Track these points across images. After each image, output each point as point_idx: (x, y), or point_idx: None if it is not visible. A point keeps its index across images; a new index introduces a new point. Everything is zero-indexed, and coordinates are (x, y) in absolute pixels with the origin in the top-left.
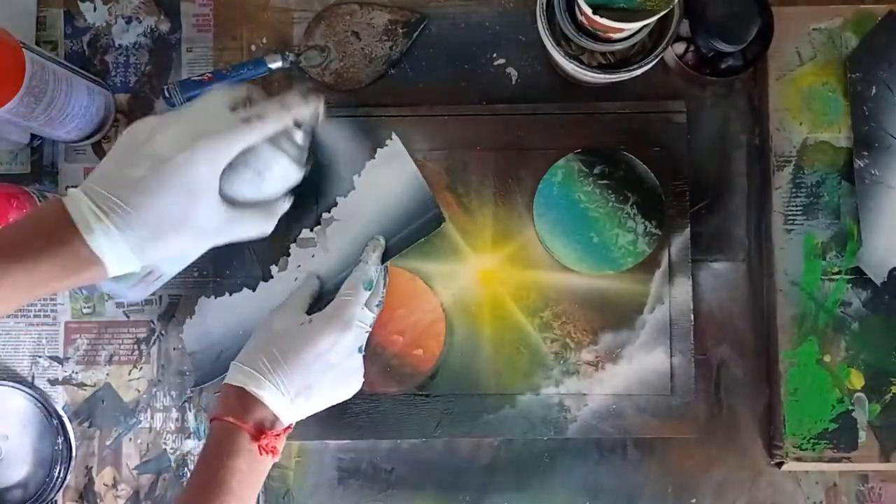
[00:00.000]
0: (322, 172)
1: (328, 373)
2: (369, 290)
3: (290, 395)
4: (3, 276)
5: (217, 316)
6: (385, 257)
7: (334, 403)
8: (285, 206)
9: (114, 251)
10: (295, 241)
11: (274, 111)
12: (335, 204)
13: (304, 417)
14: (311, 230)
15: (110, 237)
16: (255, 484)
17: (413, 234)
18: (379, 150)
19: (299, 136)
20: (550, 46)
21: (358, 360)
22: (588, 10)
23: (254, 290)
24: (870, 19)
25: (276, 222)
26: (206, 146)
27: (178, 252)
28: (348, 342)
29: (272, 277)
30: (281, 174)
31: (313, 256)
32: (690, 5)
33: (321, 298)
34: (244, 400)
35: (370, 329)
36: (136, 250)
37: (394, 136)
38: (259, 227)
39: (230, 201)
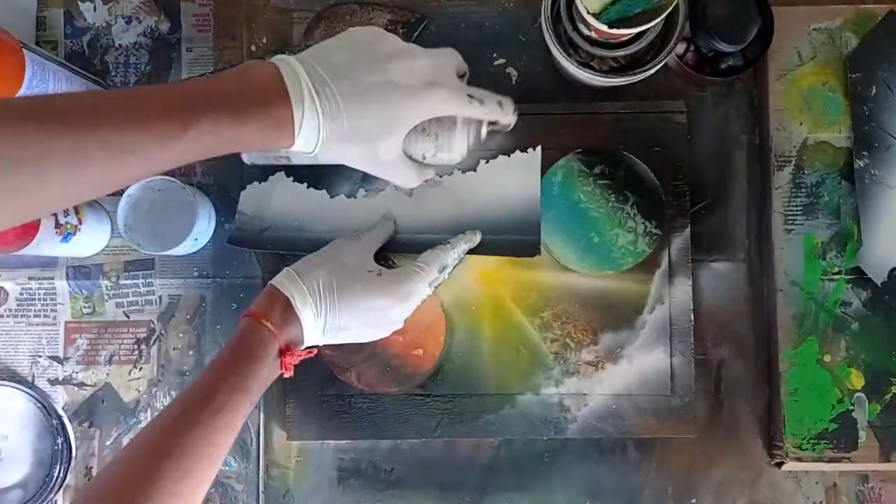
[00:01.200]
0: (326, 167)
1: (366, 323)
2: (441, 273)
3: (326, 327)
4: (215, 126)
5: (283, 195)
6: (470, 252)
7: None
8: (431, 174)
9: (307, 134)
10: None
11: (490, 103)
12: (451, 173)
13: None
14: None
15: (314, 122)
16: (262, 390)
17: (506, 246)
18: (518, 152)
19: (484, 133)
20: (561, 57)
21: (398, 323)
22: (603, 27)
23: (331, 197)
24: (870, 19)
25: (418, 184)
26: (438, 95)
27: (344, 160)
28: (399, 311)
29: (354, 198)
30: (450, 155)
31: (402, 202)
32: (691, 5)
33: (390, 242)
34: (286, 312)
35: (419, 304)
36: (323, 141)
37: (539, 150)
38: (408, 180)
39: None
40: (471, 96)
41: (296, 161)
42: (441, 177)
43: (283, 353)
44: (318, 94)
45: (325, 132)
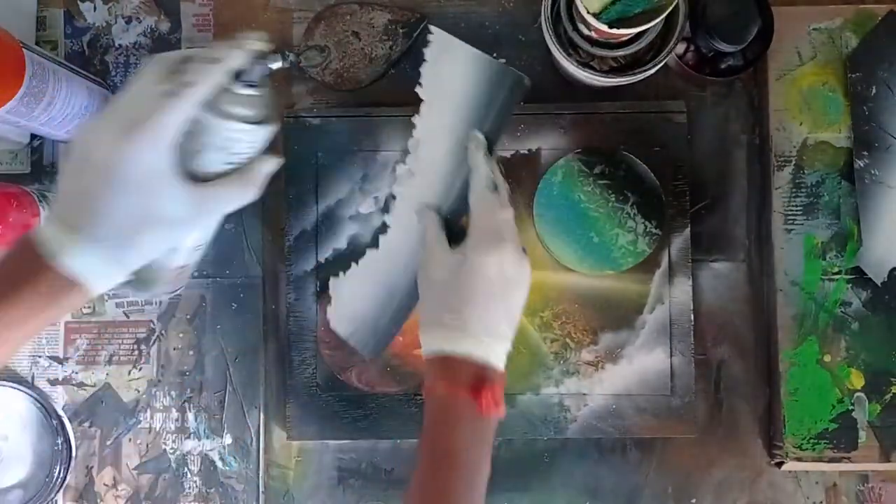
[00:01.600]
0: (321, 172)
1: (510, 289)
2: (495, 190)
3: (490, 335)
4: None
5: (354, 290)
6: (490, 149)
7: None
8: (268, 167)
9: (90, 268)
10: (395, 180)
11: (203, 70)
12: (413, 126)
13: (509, 349)
14: (404, 163)
15: (81, 255)
16: (485, 446)
17: (502, 110)
18: (425, 49)
19: (243, 90)
20: (561, 57)
21: (527, 263)
22: (603, 27)
23: (377, 247)
24: (870, 19)
25: (258, 187)
26: (138, 136)
27: (158, 250)
28: (511, 252)
29: (388, 227)
30: (243, 140)
31: (417, 188)
32: (691, 5)
33: (449, 227)
34: (447, 364)
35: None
36: (112, 261)
37: (432, 27)
38: (238, 196)
39: (206, 180)
40: (172, 93)
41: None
42: (413, 135)
43: (474, 398)
44: (64, 232)
45: (102, 253)
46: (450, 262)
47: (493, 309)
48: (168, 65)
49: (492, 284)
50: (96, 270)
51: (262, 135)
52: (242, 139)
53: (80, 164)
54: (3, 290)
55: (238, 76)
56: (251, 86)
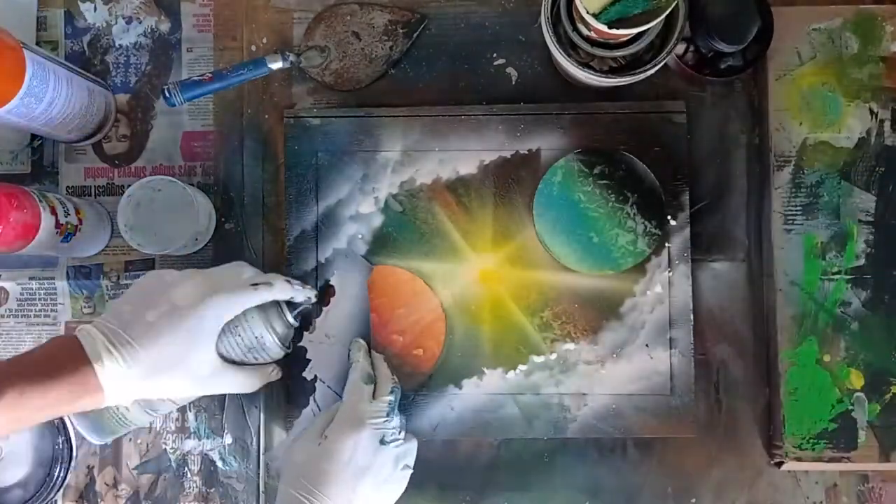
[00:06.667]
0: (321, 172)
1: (364, 477)
2: (369, 383)
3: None
4: (21, 397)
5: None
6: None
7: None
8: (273, 376)
9: (115, 383)
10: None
11: (280, 283)
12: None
13: None
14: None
15: (117, 369)
16: None
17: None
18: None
19: (290, 317)
20: (561, 57)
21: (386, 454)
22: (603, 27)
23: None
24: (870, 20)
25: (260, 385)
26: (216, 301)
27: (167, 392)
28: (366, 439)
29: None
30: (267, 348)
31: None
32: (691, 5)
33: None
34: None
35: (387, 419)
36: (133, 385)
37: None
38: (243, 385)
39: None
40: (255, 286)
41: (162, 410)
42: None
43: None
44: (112, 345)
45: (134, 375)
46: (312, 442)
47: (350, 491)
48: (254, 270)
49: (345, 466)
50: (120, 386)
51: (278, 354)
52: (267, 349)
53: (156, 298)
54: (42, 378)
55: (290, 306)
56: (295, 318)
